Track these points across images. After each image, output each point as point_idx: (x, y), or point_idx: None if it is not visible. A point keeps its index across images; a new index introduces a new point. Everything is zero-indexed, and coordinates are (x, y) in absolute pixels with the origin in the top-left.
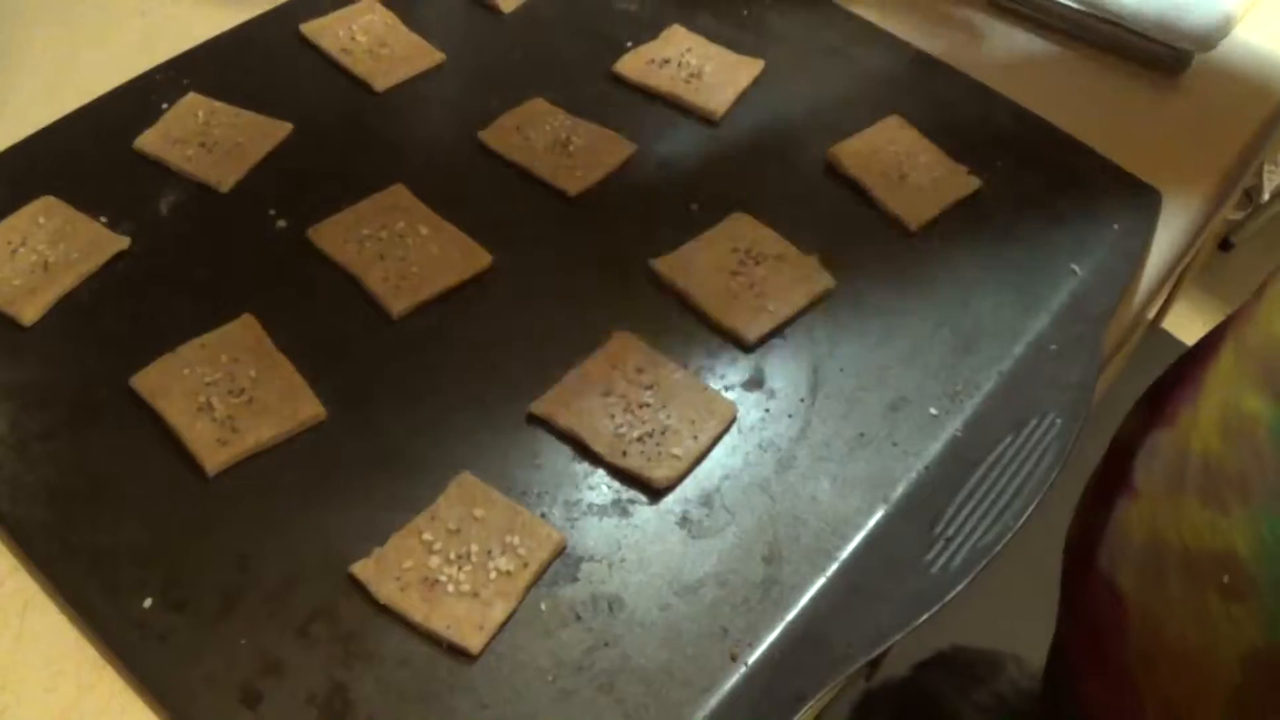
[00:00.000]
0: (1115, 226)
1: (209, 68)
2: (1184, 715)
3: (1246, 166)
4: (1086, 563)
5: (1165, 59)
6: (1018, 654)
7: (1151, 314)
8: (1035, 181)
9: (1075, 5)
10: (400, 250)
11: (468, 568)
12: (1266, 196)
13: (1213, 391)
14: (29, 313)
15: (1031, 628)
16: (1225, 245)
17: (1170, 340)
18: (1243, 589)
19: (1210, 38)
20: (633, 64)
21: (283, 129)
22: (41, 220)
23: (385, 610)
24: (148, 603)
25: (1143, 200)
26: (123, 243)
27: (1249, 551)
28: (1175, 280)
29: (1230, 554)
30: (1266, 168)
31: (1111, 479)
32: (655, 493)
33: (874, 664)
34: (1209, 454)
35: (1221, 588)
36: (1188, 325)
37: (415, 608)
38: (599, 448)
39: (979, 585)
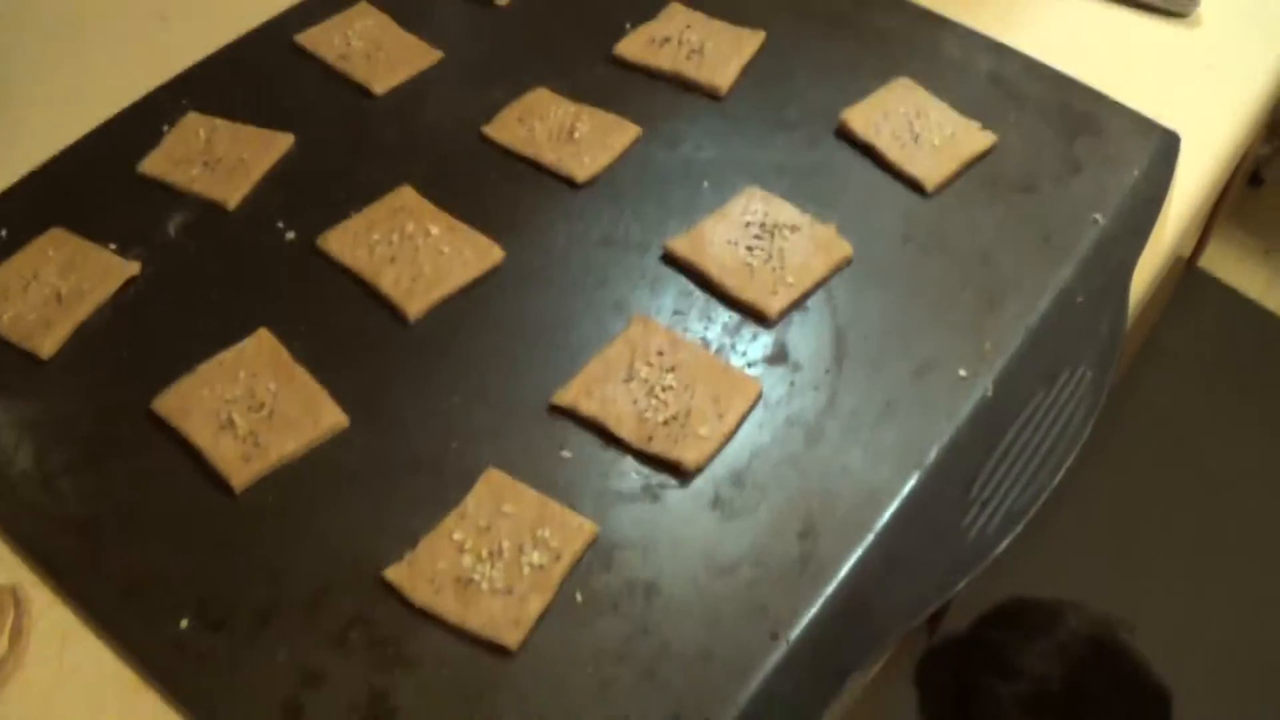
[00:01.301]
0: (1135, 172)
1: (207, 86)
2: None
3: (1268, 100)
4: None
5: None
6: (1076, 601)
7: (1186, 253)
8: (1050, 132)
9: None
10: (411, 252)
11: (500, 564)
12: None
13: None
14: (46, 346)
15: (1089, 571)
16: (1255, 180)
17: (1206, 278)
18: None
19: None
20: (633, 45)
21: (285, 140)
22: (51, 252)
23: (421, 613)
24: (184, 624)
25: (1161, 144)
26: (133, 268)
27: None
28: (1207, 218)
29: None
30: None
31: None
32: (685, 475)
33: (936, 619)
34: None
35: None
36: (1222, 262)
37: (451, 608)
38: (625, 434)
39: (1034, 534)
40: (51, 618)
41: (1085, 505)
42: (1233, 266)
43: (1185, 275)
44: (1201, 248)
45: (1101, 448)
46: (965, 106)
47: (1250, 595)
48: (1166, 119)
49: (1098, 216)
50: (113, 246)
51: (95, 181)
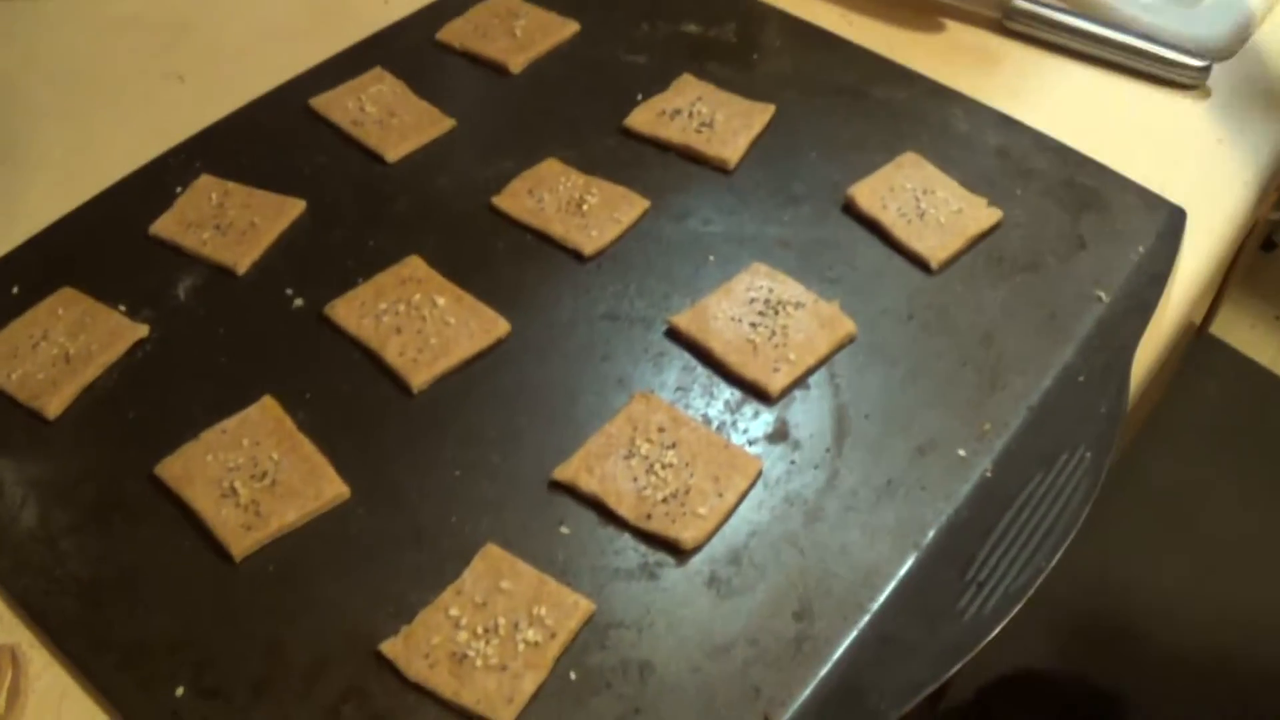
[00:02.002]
0: (1140, 249)
1: (220, 148)
2: None
3: (1276, 174)
4: None
5: (1183, 72)
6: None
7: (1197, 320)
8: (1056, 208)
9: (1088, 25)
10: (418, 323)
11: (495, 641)
12: None
13: None
14: (53, 406)
15: (1093, 641)
16: (1269, 245)
17: (1217, 344)
18: None
19: (1228, 47)
20: (643, 117)
21: (296, 206)
22: (61, 312)
23: (415, 688)
24: (180, 691)
25: (1168, 220)
26: (141, 330)
27: None
28: (1219, 285)
29: None
30: None
31: None
32: (682, 554)
33: (936, 698)
34: None
35: None
36: (1233, 328)
37: (445, 684)
38: (624, 511)
39: (1039, 604)
40: (49, 678)
41: (1091, 574)
42: (1244, 333)
43: (1196, 341)
44: (1213, 314)
45: (1109, 515)
46: (972, 181)
47: (1257, 669)
48: (1173, 193)
49: (1101, 294)
50: (122, 308)
51: (107, 242)
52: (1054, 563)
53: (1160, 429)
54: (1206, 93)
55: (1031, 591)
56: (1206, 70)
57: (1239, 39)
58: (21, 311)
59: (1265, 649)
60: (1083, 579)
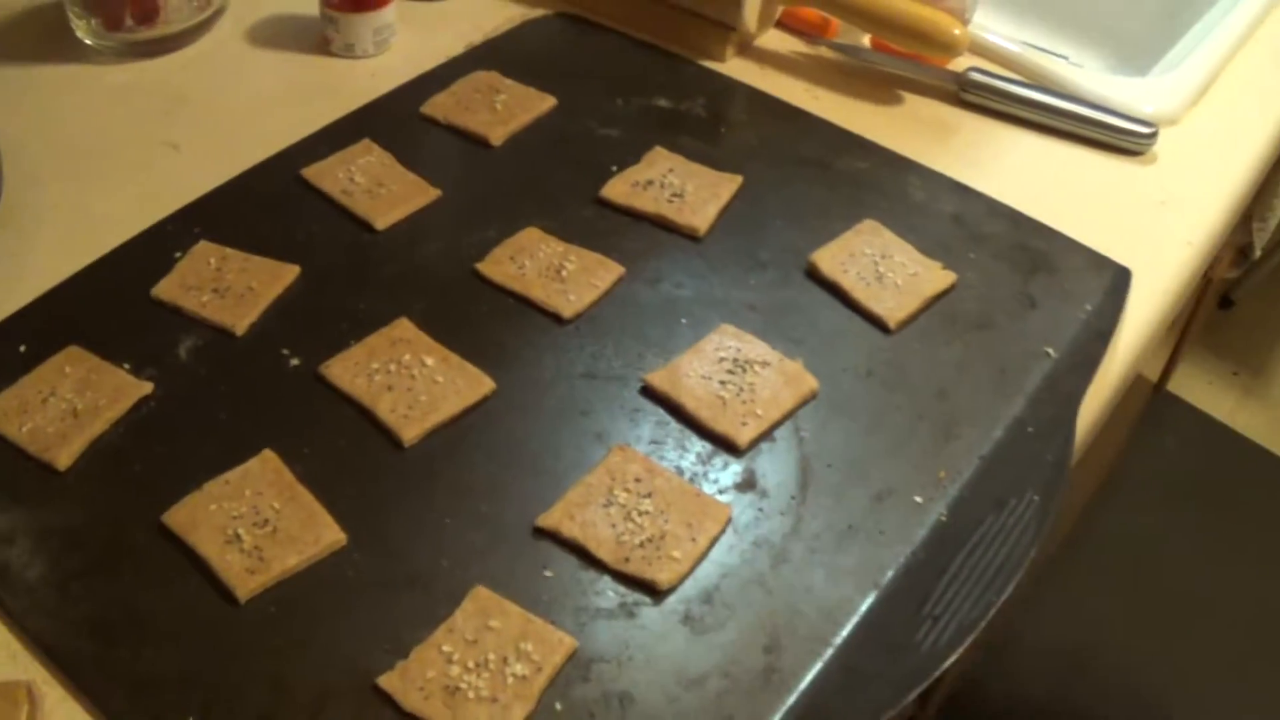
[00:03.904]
0: (1087, 307)
1: (217, 215)
2: None
3: (1219, 235)
4: None
5: (1132, 138)
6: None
7: (1155, 377)
8: (1008, 270)
9: (1040, 96)
10: (408, 381)
11: (486, 674)
12: (1259, 253)
13: None
14: (63, 458)
15: (1057, 697)
16: (1225, 303)
17: (1175, 401)
18: None
19: (1175, 113)
20: (618, 187)
21: (291, 271)
22: (68, 370)
23: (411, 718)
24: None
25: (1113, 279)
26: (146, 388)
27: None
28: (1176, 342)
29: None
30: (1255, 224)
31: None
32: (658, 594)
33: None
34: None
35: None
36: (1190, 385)
37: (439, 714)
38: (604, 555)
39: (1001, 657)
40: (63, 713)
41: (1053, 627)
42: (1202, 389)
43: (1154, 398)
44: (1170, 371)
45: (1069, 571)
46: (928, 246)
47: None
48: (1119, 254)
49: (1050, 350)
50: (127, 366)
51: (111, 303)
52: (1004, 597)
53: (1120, 483)
54: (1153, 157)
55: (984, 624)
56: (1153, 136)
57: (1186, 105)
58: (29, 368)
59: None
60: (1045, 631)
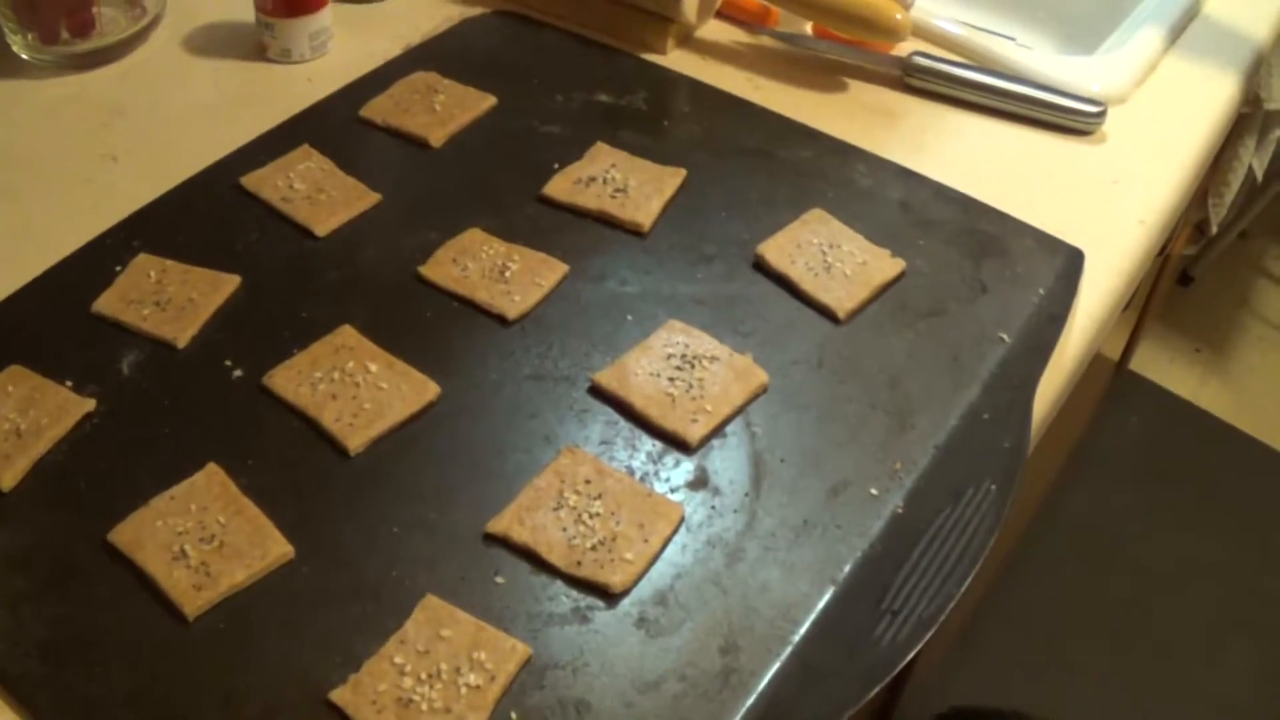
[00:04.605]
0: (1040, 290)
1: (156, 227)
2: None
3: (1172, 213)
4: None
5: (1080, 118)
6: (1017, 709)
7: (1115, 356)
8: (958, 256)
9: (986, 79)
10: (351, 389)
11: (439, 685)
12: (1215, 229)
13: None
14: (6, 479)
15: (1026, 677)
16: (1184, 280)
17: (1138, 380)
18: None
19: (1123, 92)
20: (560, 185)
21: (231, 282)
22: (10, 389)
23: None
24: None
25: (1066, 261)
26: (89, 404)
27: None
28: (1136, 321)
29: None
30: (1211, 200)
31: None
32: (612, 597)
33: None
34: None
35: None
36: (1153, 363)
37: None
38: (555, 560)
39: (972, 644)
40: None
41: (1020, 610)
42: (1164, 367)
43: (1116, 378)
44: (1131, 350)
45: (1034, 551)
46: (876, 234)
47: (1183, 693)
48: (1071, 235)
49: (1003, 335)
50: (69, 383)
51: (51, 320)
52: (963, 589)
53: (1083, 463)
54: (1103, 136)
55: (943, 617)
56: (1102, 115)
57: (1134, 84)
58: None
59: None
60: (1011, 611)
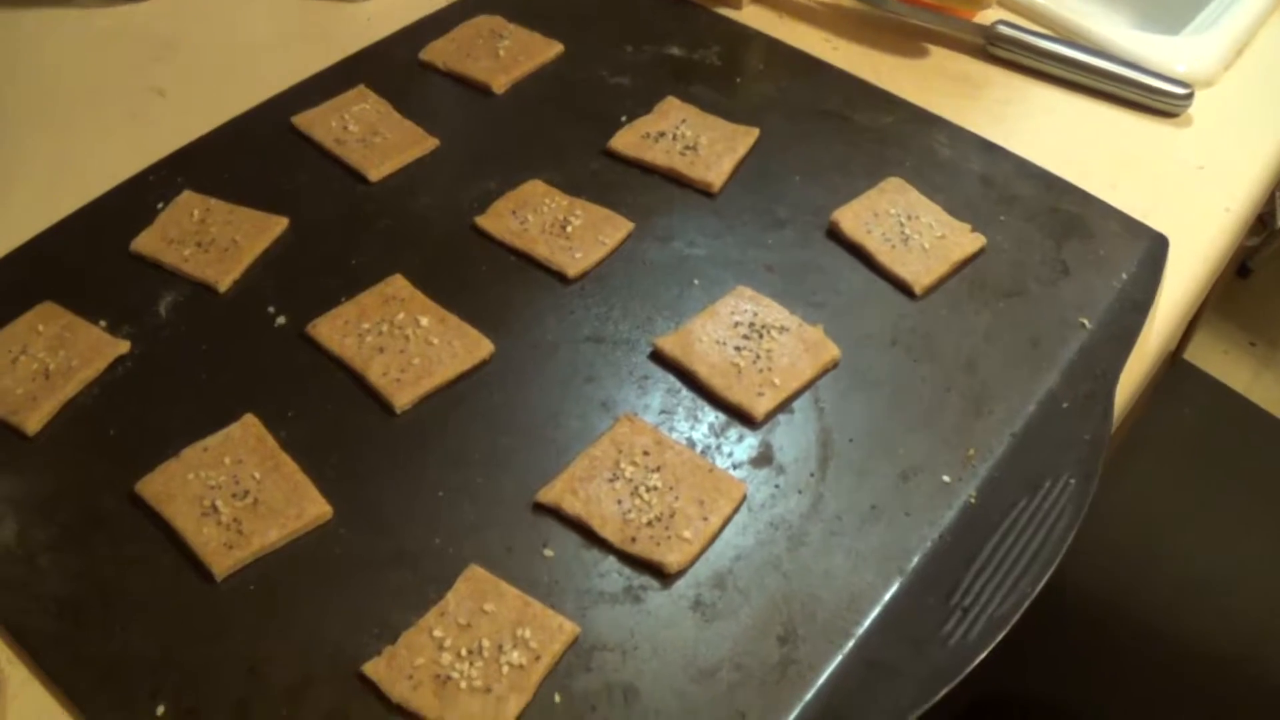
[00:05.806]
0: (1123, 275)
1: (203, 165)
2: None
3: (1257, 201)
4: None
5: (1166, 99)
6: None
7: (1172, 346)
8: (1040, 235)
9: (1071, 52)
10: (400, 343)
11: (479, 663)
12: (1279, 222)
13: None
14: (32, 422)
15: (1068, 669)
16: (1243, 271)
17: (1192, 370)
18: None
19: (1211, 74)
20: (627, 139)
21: (279, 224)
22: (41, 327)
23: (399, 709)
24: (160, 710)
25: (1150, 247)
26: (123, 346)
27: None
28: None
29: None
30: (1278, 191)
31: None
32: (667, 577)
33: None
34: None
35: None
36: (1208, 354)
37: (429, 706)
38: (608, 534)
39: (1014, 631)
40: (27, 696)
41: (1064, 600)
42: (1219, 359)
43: (1170, 367)
44: (1187, 340)
45: (1081, 542)
46: (955, 207)
47: (1228, 695)
48: (1155, 221)
49: (1085, 321)
50: (103, 324)
51: (88, 257)
52: (1038, 589)
53: (1135, 455)
54: (1189, 119)
55: (1017, 618)
56: (1189, 97)
57: (1222, 66)
58: (0, 326)
59: (1244, 670)
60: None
